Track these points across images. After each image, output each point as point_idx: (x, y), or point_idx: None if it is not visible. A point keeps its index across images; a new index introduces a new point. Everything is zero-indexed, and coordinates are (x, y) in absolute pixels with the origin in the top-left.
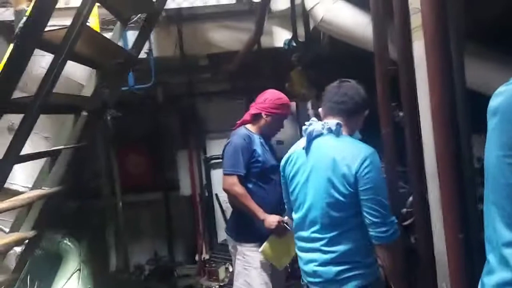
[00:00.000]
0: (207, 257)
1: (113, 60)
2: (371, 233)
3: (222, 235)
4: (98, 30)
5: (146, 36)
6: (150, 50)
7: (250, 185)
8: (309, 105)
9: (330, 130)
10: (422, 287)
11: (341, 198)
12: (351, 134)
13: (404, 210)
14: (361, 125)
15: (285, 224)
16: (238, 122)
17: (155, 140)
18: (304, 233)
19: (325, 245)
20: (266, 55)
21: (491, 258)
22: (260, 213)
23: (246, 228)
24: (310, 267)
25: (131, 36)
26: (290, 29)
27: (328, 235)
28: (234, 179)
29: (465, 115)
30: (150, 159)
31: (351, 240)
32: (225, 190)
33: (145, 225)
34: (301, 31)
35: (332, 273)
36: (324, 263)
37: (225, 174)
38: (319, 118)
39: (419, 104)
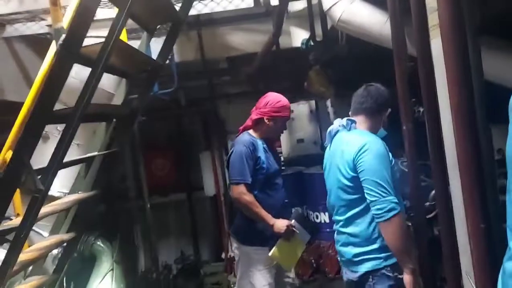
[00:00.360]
0: (232, 254)
1: (141, 69)
2: (371, 212)
3: None
4: (126, 40)
5: (171, 45)
6: (172, 55)
7: (256, 192)
8: (328, 103)
9: (343, 126)
10: (446, 277)
11: (346, 182)
12: (374, 131)
13: (427, 203)
14: (386, 123)
15: (293, 228)
16: (241, 128)
17: (178, 143)
18: (334, 217)
19: (342, 226)
20: (284, 55)
21: None
22: (269, 218)
23: (251, 231)
24: (337, 247)
25: (153, 43)
26: (307, 29)
27: (343, 217)
28: (242, 188)
29: (483, 108)
30: (174, 161)
31: (363, 222)
32: (235, 199)
33: (171, 225)
34: (318, 30)
35: (351, 254)
36: (344, 244)
37: (232, 184)
38: (337, 115)
39: (438, 99)
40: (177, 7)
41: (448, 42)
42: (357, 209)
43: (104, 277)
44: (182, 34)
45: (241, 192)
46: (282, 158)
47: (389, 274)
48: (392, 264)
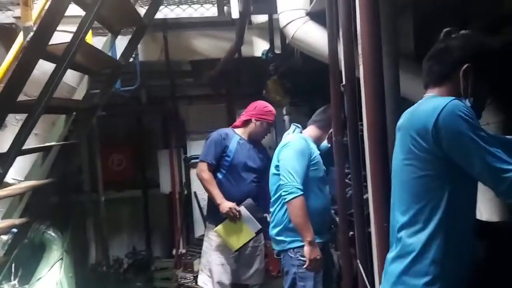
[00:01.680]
0: (184, 251)
1: (103, 67)
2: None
3: (199, 231)
4: (91, 40)
5: (134, 46)
6: (136, 54)
7: (220, 175)
8: (284, 111)
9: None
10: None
11: (274, 171)
12: (318, 141)
13: None
14: (329, 138)
15: (237, 212)
16: (231, 126)
17: (137, 140)
18: None
19: (271, 206)
20: (246, 63)
21: (392, 240)
22: (219, 198)
23: (213, 210)
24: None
25: (120, 40)
26: (268, 40)
27: (272, 200)
28: (203, 166)
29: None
30: (132, 157)
31: (279, 206)
32: (196, 174)
33: (124, 221)
34: (278, 43)
35: (273, 234)
36: (272, 224)
37: (199, 161)
38: (292, 123)
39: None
40: (144, 9)
41: (367, 71)
42: (277, 194)
43: (53, 266)
44: (148, 35)
45: (201, 169)
46: None
47: (291, 255)
48: (296, 247)
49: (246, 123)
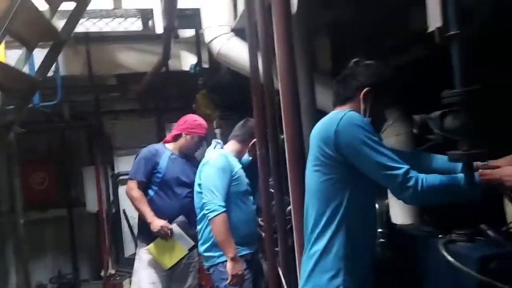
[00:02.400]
0: (113, 272)
1: (18, 84)
2: None
3: (129, 250)
4: (3, 55)
5: (51, 62)
6: (57, 68)
7: (151, 192)
8: (214, 124)
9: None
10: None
11: (198, 189)
12: (238, 155)
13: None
14: (252, 151)
15: (169, 230)
16: (162, 141)
17: (61, 157)
18: None
19: (198, 224)
20: (174, 77)
21: (306, 243)
22: (149, 216)
23: (144, 228)
24: None
25: (38, 53)
26: (196, 54)
27: (198, 218)
28: (133, 184)
29: None
30: (55, 175)
31: (205, 223)
32: (126, 192)
33: (49, 242)
34: (206, 57)
35: (201, 250)
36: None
37: (128, 179)
38: (224, 136)
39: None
40: (64, 21)
41: (284, 89)
42: (203, 212)
43: None
44: (70, 48)
45: (130, 187)
46: None
47: (221, 269)
48: (225, 261)
49: (177, 137)
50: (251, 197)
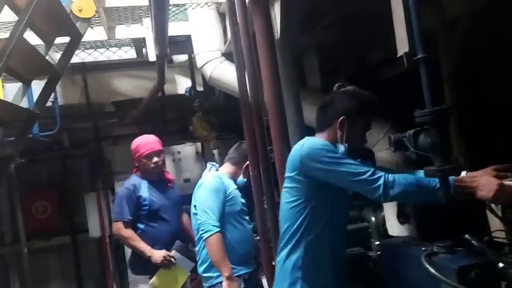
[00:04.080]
0: None
1: (16, 118)
2: None
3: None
4: (1, 88)
5: (48, 94)
6: (55, 98)
7: (141, 226)
8: (212, 145)
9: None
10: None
11: (194, 210)
12: (234, 177)
13: None
14: (246, 173)
15: (171, 258)
16: (134, 170)
17: (62, 184)
18: None
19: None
20: (170, 101)
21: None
22: (147, 250)
23: (138, 261)
24: None
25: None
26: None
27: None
28: (119, 225)
29: None
30: (57, 203)
31: (201, 244)
32: (114, 234)
33: (53, 270)
34: (200, 79)
35: (200, 271)
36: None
37: (113, 221)
38: (222, 156)
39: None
40: (59, 54)
41: (270, 106)
42: (200, 233)
43: None
44: (67, 78)
45: (118, 228)
46: None
47: None
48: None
49: (137, 167)
50: (247, 217)
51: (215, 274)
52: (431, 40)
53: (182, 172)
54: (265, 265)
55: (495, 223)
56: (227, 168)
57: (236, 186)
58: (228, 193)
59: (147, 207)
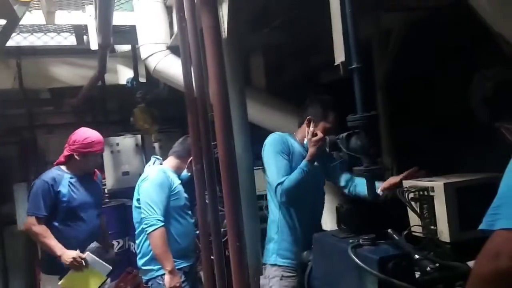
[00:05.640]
0: None
1: None
2: None
3: None
4: None
5: None
6: None
7: (56, 223)
8: (153, 138)
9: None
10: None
11: (136, 204)
12: (178, 171)
13: (222, 229)
14: (190, 168)
15: (82, 260)
16: (55, 163)
17: None
18: None
19: (136, 239)
20: (111, 91)
21: None
22: (58, 249)
23: (51, 260)
24: None
25: None
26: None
27: (136, 232)
28: (33, 220)
29: (248, 153)
30: None
31: (143, 237)
32: (26, 229)
33: None
34: (143, 71)
35: (139, 264)
36: (139, 255)
37: (27, 215)
38: (162, 150)
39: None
40: None
41: (215, 103)
42: (141, 226)
43: None
44: (0, 61)
45: (31, 223)
46: (106, 190)
47: (160, 282)
48: (164, 274)
49: (69, 158)
50: (190, 212)
51: (155, 267)
52: (367, 48)
53: (120, 165)
54: (204, 259)
55: (414, 219)
56: (171, 162)
57: (180, 181)
58: (173, 187)
59: (65, 204)
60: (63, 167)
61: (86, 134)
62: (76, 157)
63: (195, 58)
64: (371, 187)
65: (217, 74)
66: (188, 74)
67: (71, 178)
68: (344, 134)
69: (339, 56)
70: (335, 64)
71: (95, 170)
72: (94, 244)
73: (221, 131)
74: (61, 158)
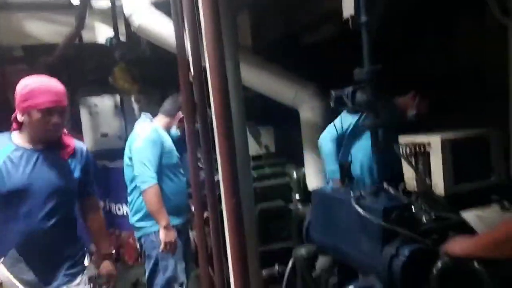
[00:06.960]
0: None
1: None
2: None
3: None
4: None
5: None
6: None
7: None
8: (134, 98)
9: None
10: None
11: (128, 161)
12: (167, 128)
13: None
14: (180, 124)
15: None
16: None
17: None
18: None
19: (129, 196)
20: (88, 49)
21: None
22: None
23: None
24: None
25: None
26: (112, 26)
27: (129, 190)
28: None
29: (240, 112)
30: None
31: (137, 194)
32: None
33: None
34: (123, 29)
35: (132, 221)
36: (130, 211)
37: None
38: (142, 111)
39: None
40: None
41: (211, 61)
42: (133, 184)
43: None
44: None
45: None
46: None
47: (153, 239)
48: (157, 231)
49: (16, 121)
50: (181, 170)
51: (148, 224)
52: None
53: (99, 127)
54: (198, 218)
55: (407, 173)
56: (161, 119)
57: (171, 139)
58: (165, 145)
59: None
60: (14, 136)
61: (26, 82)
62: (19, 117)
63: (189, 14)
64: (375, 139)
65: (213, 31)
66: (180, 31)
67: (14, 151)
68: (350, 89)
69: (348, 10)
70: (344, 18)
71: (68, 143)
72: (12, 253)
73: (216, 91)
74: (14, 124)
